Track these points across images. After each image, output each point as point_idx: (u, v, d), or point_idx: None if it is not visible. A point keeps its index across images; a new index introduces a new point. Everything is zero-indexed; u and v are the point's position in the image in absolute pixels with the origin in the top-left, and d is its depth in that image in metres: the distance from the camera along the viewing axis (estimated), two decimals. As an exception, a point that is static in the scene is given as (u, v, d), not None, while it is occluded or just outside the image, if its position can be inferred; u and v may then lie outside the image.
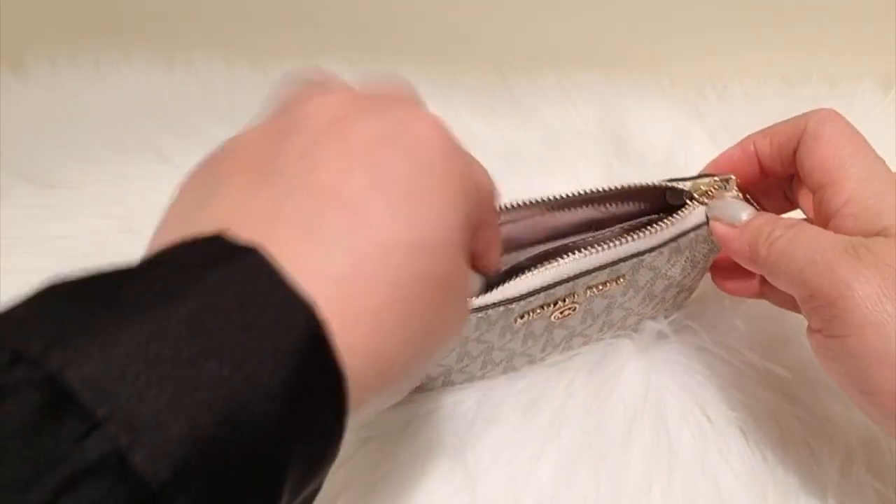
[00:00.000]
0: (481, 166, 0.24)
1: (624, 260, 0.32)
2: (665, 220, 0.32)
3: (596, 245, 0.31)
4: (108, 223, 0.49)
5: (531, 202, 0.33)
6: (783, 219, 0.30)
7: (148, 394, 0.14)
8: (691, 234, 0.33)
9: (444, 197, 0.20)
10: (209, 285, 0.16)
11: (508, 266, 0.34)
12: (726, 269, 0.35)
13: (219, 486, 0.14)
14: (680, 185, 0.33)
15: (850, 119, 0.30)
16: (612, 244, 0.31)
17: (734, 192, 0.32)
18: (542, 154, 0.53)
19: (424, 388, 0.36)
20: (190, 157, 0.21)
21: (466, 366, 0.34)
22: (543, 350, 0.36)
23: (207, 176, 0.21)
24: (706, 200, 0.32)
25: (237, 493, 0.15)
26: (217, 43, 0.65)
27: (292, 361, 0.16)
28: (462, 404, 0.36)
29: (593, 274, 0.32)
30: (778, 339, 0.38)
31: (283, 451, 0.16)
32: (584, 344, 0.38)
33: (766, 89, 0.57)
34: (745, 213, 0.31)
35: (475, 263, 0.25)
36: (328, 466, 0.18)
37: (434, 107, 0.22)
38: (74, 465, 0.13)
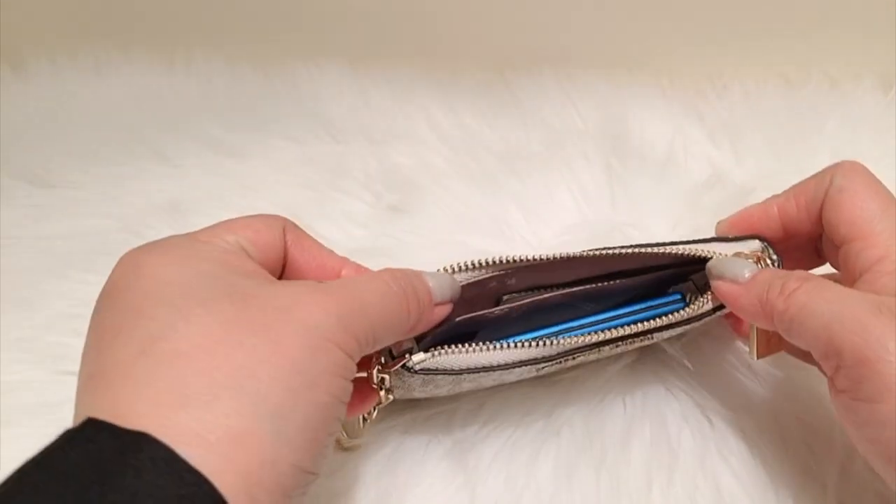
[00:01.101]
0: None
1: (649, 332, 0.32)
2: (703, 298, 0.31)
3: (619, 326, 0.31)
4: (108, 223, 0.49)
5: (556, 258, 0.31)
6: (793, 272, 0.29)
7: None
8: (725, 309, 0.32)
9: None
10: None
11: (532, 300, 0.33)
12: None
13: None
14: (721, 253, 0.32)
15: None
16: (639, 325, 0.31)
17: (750, 260, 0.31)
18: (542, 154, 0.53)
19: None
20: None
21: (478, 385, 0.34)
22: (553, 372, 0.36)
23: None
24: (709, 256, 0.31)
25: None
26: (217, 43, 0.65)
27: None
28: (462, 405, 0.36)
29: (610, 345, 0.32)
30: (778, 339, 0.38)
31: None
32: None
33: (766, 89, 0.57)
34: (747, 269, 0.30)
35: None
36: None
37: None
38: None
